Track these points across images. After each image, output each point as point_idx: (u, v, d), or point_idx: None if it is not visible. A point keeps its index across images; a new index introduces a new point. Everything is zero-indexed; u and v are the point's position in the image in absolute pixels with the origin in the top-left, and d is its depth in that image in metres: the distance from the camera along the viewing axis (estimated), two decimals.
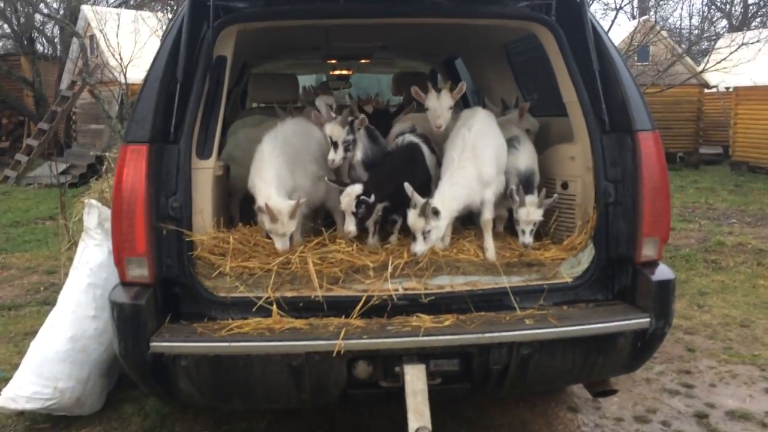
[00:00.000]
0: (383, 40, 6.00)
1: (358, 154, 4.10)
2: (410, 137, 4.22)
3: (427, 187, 3.99)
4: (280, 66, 8.42)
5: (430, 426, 3.20)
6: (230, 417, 4.60)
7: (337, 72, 9.05)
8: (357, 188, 3.82)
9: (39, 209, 13.51)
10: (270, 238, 3.82)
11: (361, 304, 3.52)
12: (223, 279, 3.63)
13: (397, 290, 3.62)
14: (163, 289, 3.58)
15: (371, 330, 3.39)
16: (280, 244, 3.70)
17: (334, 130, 3.97)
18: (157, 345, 3.33)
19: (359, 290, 3.62)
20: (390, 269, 3.66)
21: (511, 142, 4.29)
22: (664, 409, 4.87)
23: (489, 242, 3.92)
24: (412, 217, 3.63)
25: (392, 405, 3.66)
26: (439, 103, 4.17)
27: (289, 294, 3.60)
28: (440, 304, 3.62)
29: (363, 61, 7.71)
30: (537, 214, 3.96)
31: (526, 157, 4.22)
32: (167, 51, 3.60)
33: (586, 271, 3.78)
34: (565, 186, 4.19)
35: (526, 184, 4.14)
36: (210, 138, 3.76)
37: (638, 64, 18.17)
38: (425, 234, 3.63)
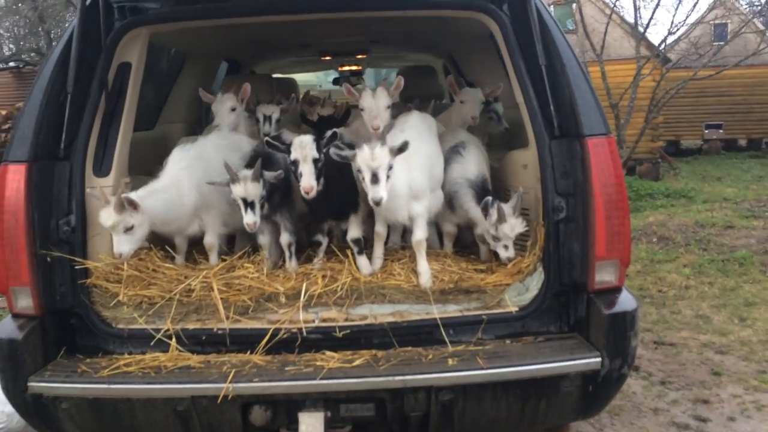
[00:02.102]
0: (358, 34, 5.56)
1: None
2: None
3: (352, 204, 3.54)
4: (282, 65, 8.13)
5: None
6: None
7: (346, 68, 8.70)
8: (307, 137, 3.37)
9: None
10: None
11: (266, 339, 3.12)
12: (122, 309, 3.30)
13: (312, 321, 3.22)
14: (59, 321, 3.27)
15: (268, 371, 2.98)
16: (114, 246, 3.33)
17: (248, 189, 3.37)
18: (35, 385, 3.02)
19: (270, 321, 3.22)
20: (304, 297, 3.24)
21: (455, 149, 3.80)
22: None
23: (422, 265, 3.44)
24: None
25: None
26: (375, 102, 3.71)
27: (191, 326, 3.23)
28: (359, 339, 3.18)
29: (360, 56, 7.32)
30: (521, 226, 3.50)
31: (473, 164, 3.72)
32: (55, 60, 3.28)
33: (535, 299, 3.26)
34: None
35: (483, 192, 3.63)
36: (109, 153, 3.42)
37: (716, 43, 16.75)
38: None
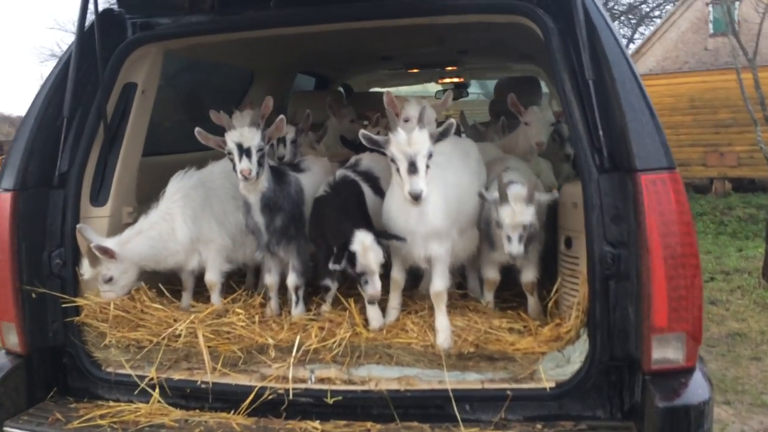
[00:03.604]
0: (431, 44, 5.04)
1: (261, 187, 3.03)
2: (345, 172, 3.23)
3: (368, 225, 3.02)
4: (374, 79, 7.79)
5: None
6: None
7: (446, 80, 8.17)
8: (368, 236, 2.84)
9: None
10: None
11: (249, 399, 2.71)
12: (111, 351, 3.03)
13: (306, 380, 2.77)
14: (51, 359, 3.07)
15: None
16: (102, 296, 3.07)
17: (244, 133, 2.93)
18: (9, 431, 2.81)
19: (260, 377, 2.82)
20: (296, 352, 2.79)
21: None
22: None
23: (440, 321, 2.85)
24: None
25: None
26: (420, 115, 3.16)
27: (177, 376, 2.91)
28: (355, 407, 2.69)
29: (450, 68, 6.79)
30: (526, 214, 2.88)
31: None
32: (51, 81, 3.08)
33: (577, 373, 2.59)
34: (568, 243, 2.95)
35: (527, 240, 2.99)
36: (107, 181, 3.17)
37: None
38: None
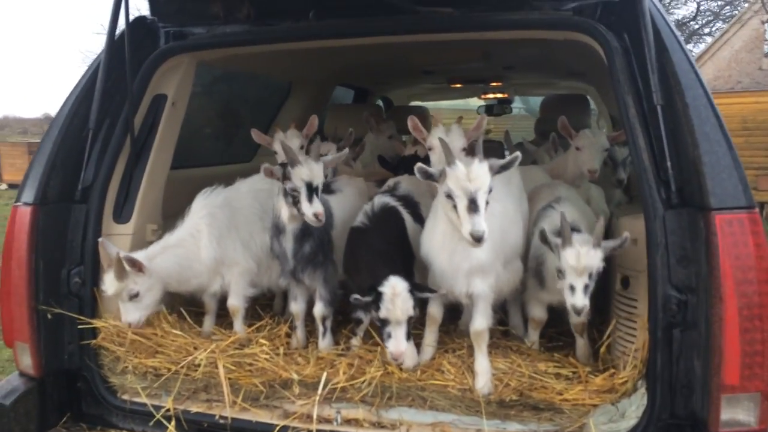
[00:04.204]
0: (477, 59, 4.82)
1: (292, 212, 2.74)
2: (384, 199, 2.98)
3: (407, 268, 2.78)
4: (415, 92, 7.59)
5: None
6: None
7: (490, 95, 7.91)
8: (401, 283, 2.57)
9: None
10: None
11: None
12: (127, 377, 2.85)
13: (332, 420, 2.55)
14: (66, 382, 2.91)
15: None
16: (122, 315, 2.87)
17: (313, 169, 2.64)
18: None
19: (283, 414, 2.62)
20: (322, 389, 2.57)
21: (549, 207, 2.92)
22: None
23: (481, 364, 2.59)
24: None
25: None
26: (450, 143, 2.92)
27: (194, 408, 2.73)
28: None
29: (495, 84, 6.55)
30: (594, 258, 2.51)
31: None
32: (79, 91, 2.94)
33: (633, 430, 2.32)
34: (625, 283, 2.68)
35: None
36: (131, 197, 3.01)
37: None
38: None
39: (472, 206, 2.32)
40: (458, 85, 6.61)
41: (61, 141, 2.86)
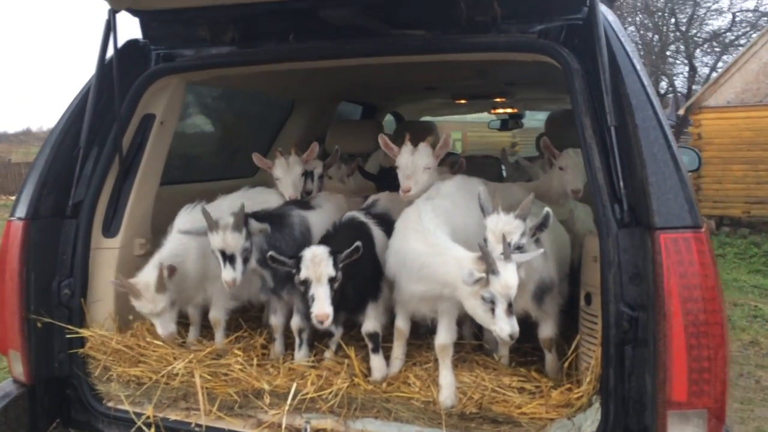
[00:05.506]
0: (474, 77, 4.90)
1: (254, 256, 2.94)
2: (354, 214, 3.06)
3: (371, 291, 2.86)
4: (423, 108, 7.67)
5: None
6: None
7: (499, 110, 7.98)
8: (322, 247, 2.67)
9: None
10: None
11: None
12: (113, 385, 2.99)
13: (303, 429, 2.67)
14: (57, 390, 3.05)
15: None
16: (161, 329, 2.94)
17: (227, 239, 2.78)
18: None
19: (255, 423, 2.71)
20: (291, 399, 2.67)
21: None
22: None
23: (444, 377, 2.66)
24: None
25: None
26: (412, 160, 3.02)
27: (173, 416, 2.84)
28: None
29: (498, 99, 6.62)
30: (512, 226, 2.54)
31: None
32: (71, 111, 3.09)
33: None
34: (588, 300, 2.73)
35: (540, 292, 2.79)
36: (120, 212, 3.15)
37: None
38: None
39: (510, 309, 2.35)
40: (463, 101, 6.69)
41: (53, 159, 3.02)
